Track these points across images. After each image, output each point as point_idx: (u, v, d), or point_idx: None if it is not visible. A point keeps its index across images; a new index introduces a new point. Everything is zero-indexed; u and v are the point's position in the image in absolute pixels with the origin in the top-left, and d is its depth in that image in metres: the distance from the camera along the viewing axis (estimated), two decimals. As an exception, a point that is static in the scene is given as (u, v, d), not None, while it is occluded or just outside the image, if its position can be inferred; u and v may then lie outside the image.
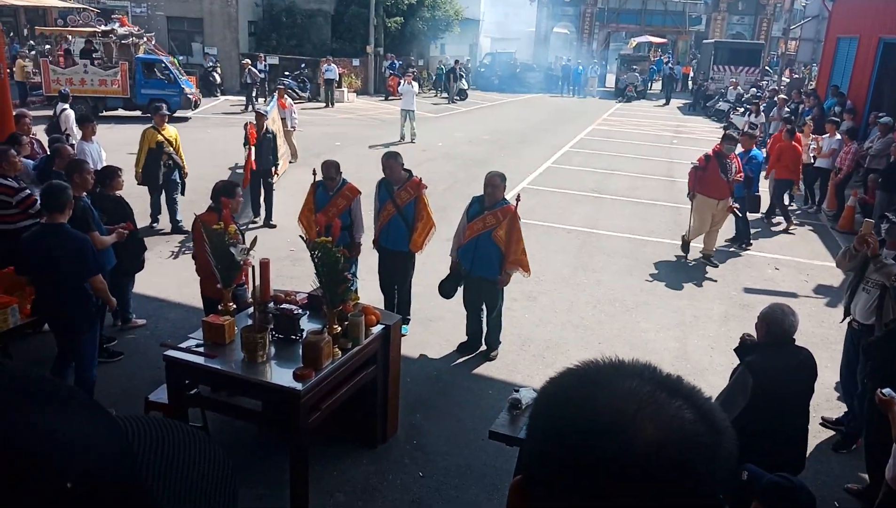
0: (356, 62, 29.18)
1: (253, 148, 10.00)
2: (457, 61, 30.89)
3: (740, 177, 9.20)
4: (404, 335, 6.73)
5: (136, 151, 9.46)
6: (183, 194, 9.71)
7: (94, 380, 5.16)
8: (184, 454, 0.69)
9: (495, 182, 6.20)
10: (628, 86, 33.57)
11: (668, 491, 0.67)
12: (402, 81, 19.90)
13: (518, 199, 6.27)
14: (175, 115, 17.66)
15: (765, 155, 11.69)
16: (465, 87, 30.52)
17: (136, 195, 8.49)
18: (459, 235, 6.40)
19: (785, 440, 3.83)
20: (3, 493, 0.52)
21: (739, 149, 9.77)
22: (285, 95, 14.72)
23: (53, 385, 0.60)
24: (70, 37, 22.42)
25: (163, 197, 9.65)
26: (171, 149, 9.45)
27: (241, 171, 11.78)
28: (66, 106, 11.49)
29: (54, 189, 4.95)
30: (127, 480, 0.60)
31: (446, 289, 6.56)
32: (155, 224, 9.68)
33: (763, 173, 11.02)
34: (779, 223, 11.42)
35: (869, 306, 5.30)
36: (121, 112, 19.32)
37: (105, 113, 18.83)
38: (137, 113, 18.91)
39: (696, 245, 9.50)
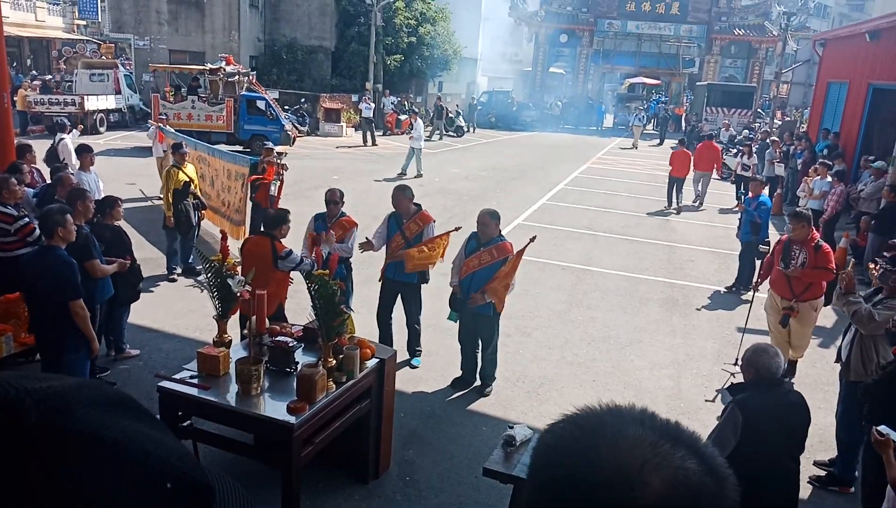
0: (355, 98, 29.56)
1: (273, 183, 9.96)
2: (439, 98, 31.50)
3: (822, 275, 6.78)
4: (416, 367, 6.79)
5: (163, 191, 9.10)
6: (197, 234, 9.36)
7: None
8: (230, 492, 0.75)
9: (485, 220, 6.25)
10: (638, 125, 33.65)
11: None
12: (411, 119, 20.27)
13: (532, 239, 6.32)
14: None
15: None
16: (463, 124, 30.92)
17: (135, 225, 8.51)
18: (457, 267, 6.46)
19: (776, 480, 3.82)
20: (120, 488, 0.60)
21: (749, 195, 9.94)
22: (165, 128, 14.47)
23: (138, 404, 0.68)
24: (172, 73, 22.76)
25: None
26: (194, 187, 9.21)
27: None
28: (65, 136, 11.58)
29: (44, 215, 5.08)
30: (204, 487, 0.68)
31: (455, 304, 6.52)
32: (175, 270, 9.13)
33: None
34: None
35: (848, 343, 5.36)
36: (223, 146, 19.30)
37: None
38: (239, 148, 19.11)
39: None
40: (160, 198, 13.25)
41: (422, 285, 6.85)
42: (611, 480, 0.67)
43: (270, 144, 10.92)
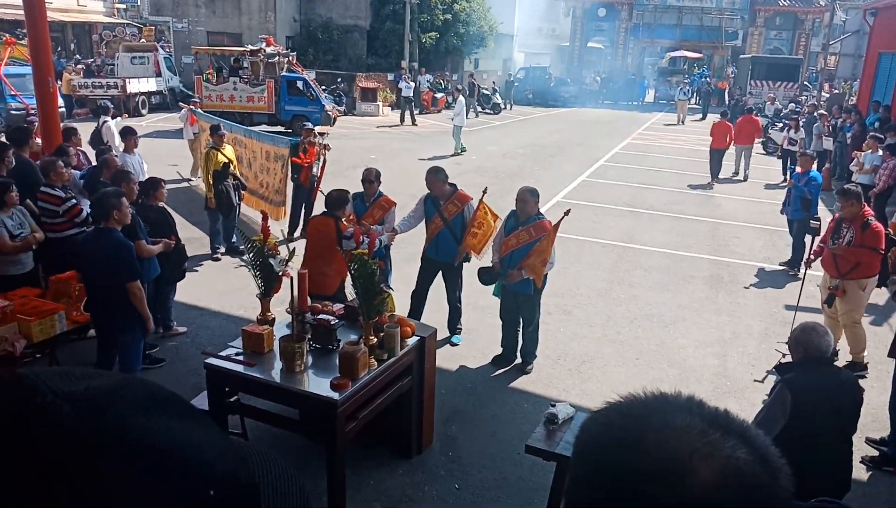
0: (391, 77, 29.49)
1: (315, 164, 9.96)
2: (471, 75, 31.48)
3: (868, 255, 6.49)
4: (457, 345, 6.83)
5: (202, 173, 9.20)
6: (238, 214, 9.45)
7: None
8: (278, 480, 0.72)
9: (524, 197, 6.21)
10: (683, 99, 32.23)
11: None
12: (448, 97, 20.23)
13: (567, 213, 6.23)
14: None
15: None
16: (499, 101, 30.68)
17: (175, 206, 8.64)
18: (497, 245, 6.42)
19: (827, 461, 3.73)
20: (160, 498, 0.56)
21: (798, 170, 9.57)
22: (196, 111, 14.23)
23: (181, 401, 0.65)
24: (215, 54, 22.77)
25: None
26: (234, 168, 9.25)
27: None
28: (108, 118, 11.78)
29: (100, 197, 5.16)
30: (249, 489, 0.65)
31: (483, 277, 6.52)
32: (219, 250, 9.26)
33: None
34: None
35: None
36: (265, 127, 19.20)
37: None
38: (280, 128, 19.29)
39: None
40: (188, 179, 13.42)
41: (463, 264, 6.85)
42: (658, 470, 0.64)
43: (310, 125, 10.93)
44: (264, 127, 19.33)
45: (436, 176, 6.68)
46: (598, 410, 0.74)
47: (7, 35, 20.93)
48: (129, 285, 5.01)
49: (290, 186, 10.20)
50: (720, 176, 16.30)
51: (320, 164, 10.19)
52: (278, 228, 9.85)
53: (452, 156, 17.98)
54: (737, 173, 16.86)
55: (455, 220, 6.63)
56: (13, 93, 17.97)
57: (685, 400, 0.72)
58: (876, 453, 5.33)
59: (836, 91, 31.34)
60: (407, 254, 8.53)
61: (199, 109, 14.27)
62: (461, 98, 19.57)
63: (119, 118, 13.34)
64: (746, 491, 0.64)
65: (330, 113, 20.41)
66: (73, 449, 0.54)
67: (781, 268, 9.73)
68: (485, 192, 6.67)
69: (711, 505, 0.63)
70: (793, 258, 9.65)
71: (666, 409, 0.70)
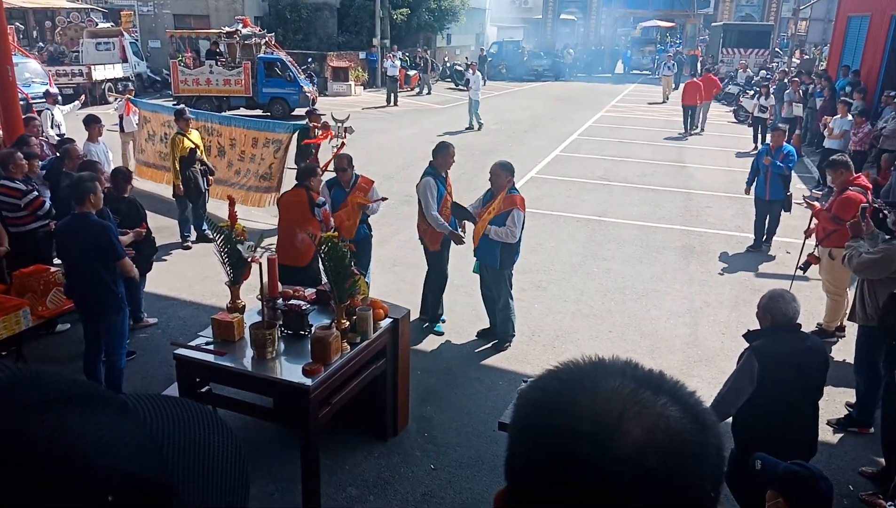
0: (362, 55, 29.13)
1: (334, 146, 9.69)
2: (425, 50, 31.81)
3: (831, 223, 6.56)
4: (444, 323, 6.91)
5: (169, 160, 8.91)
6: (207, 201, 9.22)
7: (124, 367, 5.37)
8: (200, 433, 0.68)
9: (495, 171, 6.27)
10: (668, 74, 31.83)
11: (657, 493, 0.64)
12: (467, 71, 20.27)
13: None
14: (293, 113, 18.19)
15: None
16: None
17: (143, 196, 8.49)
18: (472, 210, 6.46)
19: (795, 424, 3.81)
20: (46, 505, 0.51)
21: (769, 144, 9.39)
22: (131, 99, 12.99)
23: (88, 388, 0.60)
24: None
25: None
26: (200, 154, 8.94)
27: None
28: (49, 106, 11.37)
29: (73, 183, 5.19)
30: (158, 486, 0.60)
31: (456, 211, 6.56)
32: (189, 238, 9.11)
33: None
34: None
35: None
36: (243, 111, 19.07)
37: (228, 112, 17.24)
38: (258, 112, 18.96)
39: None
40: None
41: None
42: (589, 430, 0.66)
43: (318, 110, 10.58)
44: (242, 111, 19.10)
45: (452, 149, 6.69)
46: (536, 377, 0.76)
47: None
48: (118, 265, 5.09)
49: (287, 173, 9.72)
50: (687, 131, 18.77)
51: (338, 147, 9.85)
52: (269, 214, 9.69)
53: (466, 130, 18.48)
54: (696, 127, 19.17)
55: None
56: None
57: (621, 363, 0.73)
58: (842, 415, 5.46)
59: (807, 57, 31.48)
60: (379, 236, 8.49)
61: (130, 96, 13.32)
62: (477, 73, 19.46)
63: (72, 105, 12.66)
64: (675, 447, 0.66)
65: (308, 95, 20.10)
66: None
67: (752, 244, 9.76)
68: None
69: (641, 462, 0.64)
70: (768, 235, 9.39)
71: (600, 372, 0.72)
